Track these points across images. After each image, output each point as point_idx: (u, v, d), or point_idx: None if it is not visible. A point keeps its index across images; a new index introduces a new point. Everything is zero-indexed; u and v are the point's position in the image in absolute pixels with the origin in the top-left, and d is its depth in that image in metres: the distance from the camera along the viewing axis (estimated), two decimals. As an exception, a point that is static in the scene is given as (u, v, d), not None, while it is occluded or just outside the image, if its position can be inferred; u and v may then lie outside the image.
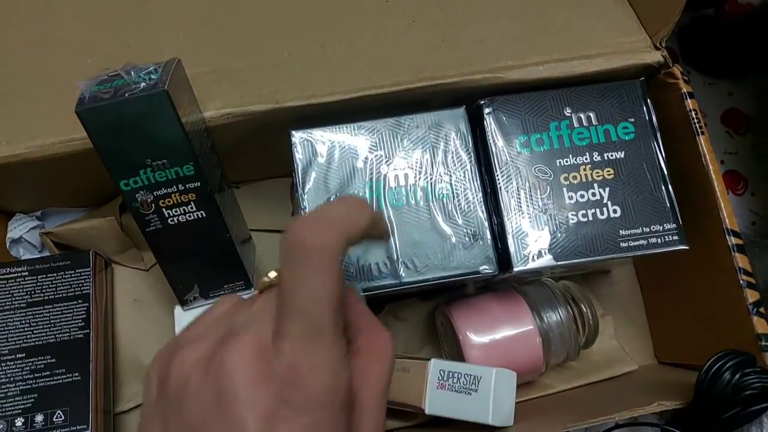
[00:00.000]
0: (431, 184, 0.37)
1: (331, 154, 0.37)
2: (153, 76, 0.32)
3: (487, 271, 0.36)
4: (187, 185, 0.35)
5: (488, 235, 0.36)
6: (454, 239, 0.36)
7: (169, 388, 0.22)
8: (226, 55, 0.40)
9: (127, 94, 0.31)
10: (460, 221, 0.36)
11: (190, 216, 0.36)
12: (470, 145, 0.37)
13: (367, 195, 0.36)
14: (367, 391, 0.23)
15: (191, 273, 0.39)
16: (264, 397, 0.20)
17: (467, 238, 0.36)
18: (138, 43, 0.41)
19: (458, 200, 0.37)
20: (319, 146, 0.37)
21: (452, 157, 0.37)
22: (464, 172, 0.37)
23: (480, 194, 0.37)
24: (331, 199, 0.36)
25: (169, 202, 0.35)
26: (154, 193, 0.35)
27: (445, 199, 0.37)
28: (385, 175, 0.37)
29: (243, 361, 0.21)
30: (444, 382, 0.37)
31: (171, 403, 0.22)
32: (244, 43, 0.41)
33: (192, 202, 0.35)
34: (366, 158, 0.37)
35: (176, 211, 0.36)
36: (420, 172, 0.37)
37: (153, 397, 0.23)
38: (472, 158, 0.37)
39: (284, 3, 0.43)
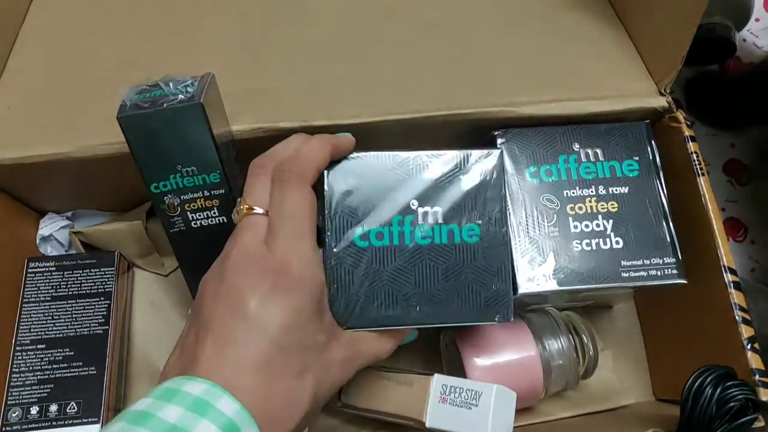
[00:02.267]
0: (460, 225, 0.35)
1: (361, 182, 0.35)
2: (189, 89, 0.34)
3: (498, 320, 0.35)
4: (212, 191, 0.37)
5: (510, 288, 0.35)
6: (475, 288, 0.35)
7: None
8: (259, 75, 0.43)
9: (165, 105, 0.33)
10: (484, 270, 0.35)
11: (212, 220, 0.38)
12: (503, 190, 0.36)
13: (394, 228, 0.35)
14: None
15: None
16: (261, 284, 0.28)
17: (489, 290, 0.35)
18: (179, 62, 0.44)
19: (485, 246, 0.35)
20: (350, 173, 0.35)
21: (483, 200, 0.36)
22: (494, 218, 0.35)
23: (507, 240, 0.36)
24: (359, 229, 0.34)
25: (194, 206, 0.37)
26: (181, 197, 0.37)
27: (472, 244, 0.35)
28: (415, 210, 0.35)
29: (241, 263, 0.29)
30: (446, 396, 0.38)
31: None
32: (277, 66, 0.44)
33: (215, 208, 0.38)
34: (397, 189, 0.35)
35: (200, 215, 0.38)
36: (450, 212, 0.35)
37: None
38: (503, 203, 0.36)
39: (316, 32, 0.46)
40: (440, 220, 0.35)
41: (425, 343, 0.49)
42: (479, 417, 0.37)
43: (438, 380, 0.39)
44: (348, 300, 0.34)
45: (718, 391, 0.34)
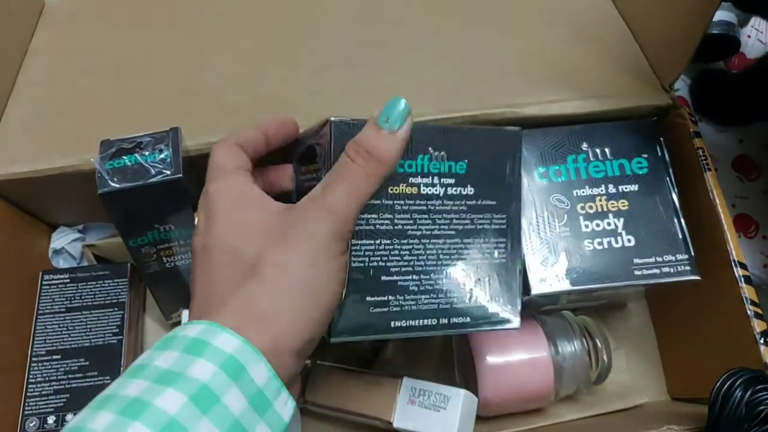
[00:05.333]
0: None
1: None
2: (164, 155, 0.35)
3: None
4: (187, 240, 0.39)
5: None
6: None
7: None
8: (262, 84, 0.44)
9: (143, 181, 0.35)
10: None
11: (185, 261, 0.40)
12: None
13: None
14: None
15: (179, 300, 0.43)
16: None
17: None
18: (186, 74, 0.45)
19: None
20: None
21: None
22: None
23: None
24: None
25: (169, 252, 0.40)
26: (157, 247, 0.39)
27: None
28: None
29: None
30: (414, 399, 0.39)
31: None
32: (279, 74, 0.45)
33: (190, 252, 0.39)
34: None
35: (174, 258, 0.40)
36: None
37: None
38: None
39: (316, 41, 0.47)
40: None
41: (439, 346, 0.49)
42: (447, 419, 0.38)
43: (407, 383, 0.40)
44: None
45: (748, 393, 0.33)
